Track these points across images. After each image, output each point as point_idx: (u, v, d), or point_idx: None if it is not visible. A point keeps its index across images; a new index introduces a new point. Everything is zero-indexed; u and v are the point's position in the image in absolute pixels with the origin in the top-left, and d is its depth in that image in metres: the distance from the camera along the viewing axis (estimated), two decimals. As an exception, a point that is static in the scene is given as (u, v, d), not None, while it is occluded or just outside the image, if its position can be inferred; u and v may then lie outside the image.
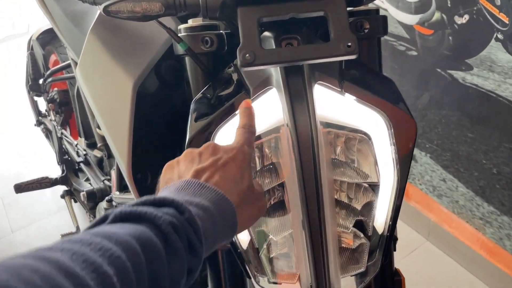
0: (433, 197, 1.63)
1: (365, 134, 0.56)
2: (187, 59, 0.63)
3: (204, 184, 0.46)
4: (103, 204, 1.29)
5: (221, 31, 0.62)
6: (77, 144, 1.68)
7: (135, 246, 0.36)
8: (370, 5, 0.62)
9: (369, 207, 0.57)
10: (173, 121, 0.69)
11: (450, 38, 1.33)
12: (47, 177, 1.73)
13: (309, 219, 0.53)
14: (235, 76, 0.60)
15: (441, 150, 1.52)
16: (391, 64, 1.57)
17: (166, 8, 0.53)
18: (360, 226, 0.58)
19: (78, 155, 1.65)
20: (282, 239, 0.58)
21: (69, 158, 1.74)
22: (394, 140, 0.55)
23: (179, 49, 0.61)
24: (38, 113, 2.04)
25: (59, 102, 1.81)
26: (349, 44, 0.50)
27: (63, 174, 1.71)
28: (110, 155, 1.36)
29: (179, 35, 0.62)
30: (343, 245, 0.58)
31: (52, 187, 1.83)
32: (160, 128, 0.71)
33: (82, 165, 1.60)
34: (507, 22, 1.16)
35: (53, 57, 1.84)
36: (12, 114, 2.95)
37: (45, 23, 1.87)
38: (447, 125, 1.46)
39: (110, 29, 0.71)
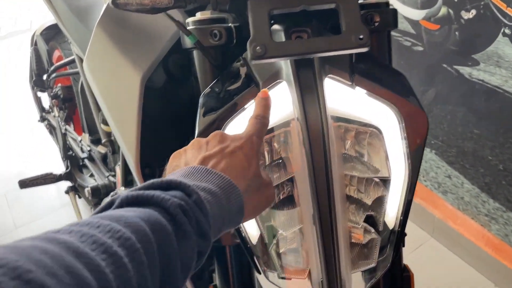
0: (438, 194, 1.62)
1: (376, 128, 0.55)
2: (195, 52, 0.63)
3: (210, 170, 0.46)
4: (107, 200, 1.29)
5: (229, 24, 0.61)
6: (81, 140, 1.68)
7: (145, 227, 0.35)
8: (380, -2, 0.61)
9: (379, 202, 0.56)
10: (181, 116, 0.68)
11: (456, 33, 1.33)
12: (51, 173, 1.73)
13: (320, 214, 0.53)
14: (244, 70, 0.59)
15: (446, 146, 1.51)
16: (397, 60, 1.56)
17: (175, 1, 0.52)
18: (371, 221, 0.57)
19: (82, 151, 1.65)
20: (291, 234, 0.58)
21: (73, 154, 1.74)
22: (405, 134, 0.55)
23: (188, 43, 0.61)
24: (41, 109, 2.04)
25: (63, 98, 1.81)
26: (361, 36, 0.49)
27: (68, 170, 1.71)
28: (114, 151, 1.36)
29: (187, 28, 0.61)
30: (353, 240, 0.57)
31: (55, 184, 1.84)
32: (168, 122, 0.70)
33: (86, 161, 1.60)
34: (515, 17, 1.15)
35: (56, 53, 1.83)
36: (12, 114, 2.95)
37: (47, 20, 1.86)
38: (452, 121, 1.45)
39: (117, 22, 0.71)
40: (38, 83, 1.83)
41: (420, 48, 1.47)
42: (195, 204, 0.40)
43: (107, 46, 0.69)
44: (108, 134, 1.35)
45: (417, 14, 1.43)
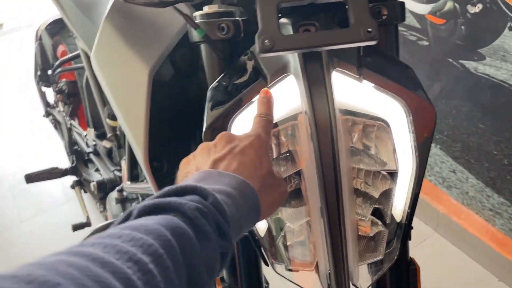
0: (442, 189, 1.62)
1: (384, 121, 0.55)
2: (202, 46, 0.63)
3: (223, 172, 0.46)
4: (113, 194, 1.30)
5: (237, 18, 0.61)
6: (86, 134, 1.69)
7: (166, 233, 0.35)
8: (388, -9, 0.61)
9: (387, 195, 0.56)
10: (189, 109, 0.68)
11: (462, 27, 1.32)
12: (57, 168, 1.74)
13: (327, 207, 0.53)
14: (251, 63, 0.59)
15: (451, 141, 1.51)
16: (402, 54, 1.56)
17: (183, -6, 0.52)
18: (378, 214, 0.58)
19: (88, 146, 1.66)
20: (298, 227, 0.58)
21: (79, 149, 1.75)
22: (412, 128, 0.55)
23: (195, 36, 0.61)
24: (46, 104, 2.04)
25: (68, 93, 1.82)
26: (369, 29, 0.49)
27: (73, 165, 1.72)
28: (120, 146, 1.36)
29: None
30: (360, 233, 0.58)
31: (60, 178, 1.85)
32: (175, 116, 0.70)
33: (91, 155, 1.61)
34: (522, 11, 1.15)
35: (61, 48, 1.84)
36: (12, 114, 2.96)
37: (49, 16, 1.87)
38: (458, 116, 1.45)
39: (124, 16, 0.71)
40: (43, 78, 1.83)
41: (426, 43, 1.47)
42: (212, 206, 0.40)
43: (115, 40, 0.70)
44: (114, 129, 1.35)
45: (423, 8, 1.42)
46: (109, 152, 1.54)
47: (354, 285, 0.58)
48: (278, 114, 0.56)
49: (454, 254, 1.64)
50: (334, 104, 0.52)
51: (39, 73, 1.85)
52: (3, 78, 3.41)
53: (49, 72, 1.83)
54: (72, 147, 1.74)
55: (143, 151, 0.67)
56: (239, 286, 0.69)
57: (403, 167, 0.56)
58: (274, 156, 0.57)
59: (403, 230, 0.58)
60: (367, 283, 0.60)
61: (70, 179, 1.81)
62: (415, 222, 0.60)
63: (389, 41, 0.62)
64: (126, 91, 0.69)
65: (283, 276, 0.60)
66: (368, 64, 0.56)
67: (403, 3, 0.62)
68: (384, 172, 0.56)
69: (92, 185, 1.42)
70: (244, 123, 0.56)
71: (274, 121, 0.56)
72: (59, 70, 1.68)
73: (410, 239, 0.70)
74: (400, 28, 1.52)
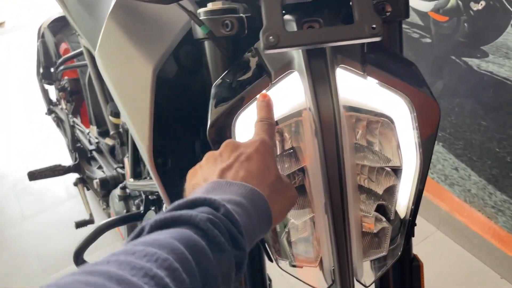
0: (444, 186, 1.62)
1: (388, 117, 0.55)
2: (206, 43, 0.63)
3: (231, 181, 0.46)
4: (116, 192, 1.30)
5: (241, 15, 0.61)
6: (89, 132, 1.69)
7: (179, 246, 0.35)
8: (392, -12, 0.61)
9: (391, 191, 0.57)
10: (193, 106, 0.69)
11: (465, 24, 1.32)
12: (60, 165, 1.75)
13: (332, 203, 0.53)
14: (255, 60, 0.59)
15: (453, 139, 1.51)
16: (405, 52, 1.56)
17: (188, -10, 0.52)
18: (382, 210, 0.58)
19: (90, 143, 1.66)
20: (302, 223, 0.58)
21: (81, 146, 1.75)
22: (417, 124, 0.55)
23: (199, 33, 0.61)
24: (49, 101, 2.05)
25: (70, 90, 1.82)
26: (374, 26, 0.49)
27: (76, 162, 1.72)
28: (122, 143, 1.37)
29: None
30: (364, 230, 0.58)
31: (62, 176, 1.85)
32: (179, 112, 0.71)
33: (94, 153, 1.62)
34: (525, 8, 1.14)
35: (63, 46, 1.84)
36: (12, 114, 2.97)
37: (50, 14, 1.87)
38: (460, 113, 1.45)
39: (128, 13, 0.71)
40: (45, 75, 1.84)
41: (428, 40, 1.46)
42: (224, 216, 0.40)
43: (119, 37, 0.70)
44: (116, 126, 1.36)
45: (425, 6, 1.42)
46: (112, 150, 1.55)
47: (358, 281, 0.58)
48: (282, 111, 0.56)
49: (456, 252, 1.64)
50: (338, 101, 0.52)
51: (41, 70, 1.85)
52: (3, 78, 3.42)
53: (52, 69, 1.84)
54: (75, 145, 1.74)
55: (147, 148, 0.67)
56: (242, 282, 0.69)
57: (407, 163, 0.56)
58: (278, 153, 0.58)
59: (407, 227, 0.59)
60: (370, 279, 0.60)
61: (73, 176, 1.82)
62: (417, 219, 0.60)
63: (393, 37, 0.62)
64: (130, 88, 0.69)
65: (287, 272, 0.60)
66: (372, 61, 0.56)
67: (407, 0, 0.62)
68: (388, 169, 0.56)
69: (95, 183, 1.42)
70: (248, 120, 0.57)
71: (279, 118, 0.56)
72: (61, 67, 1.68)
73: (413, 236, 0.70)
74: (403, 25, 1.53)
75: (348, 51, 0.55)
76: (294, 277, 0.60)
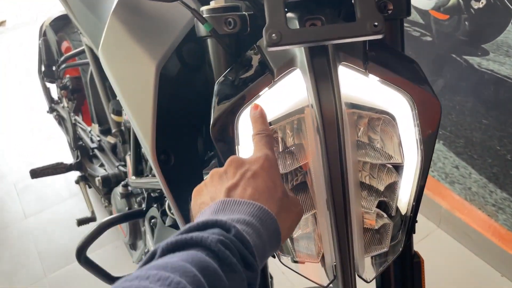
0: (445, 184, 1.62)
1: (389, 114, 0.56)
2: (209, 41, 0.63)
3: (239, 200, 0.45)
4: (118, 189, 1.31)
5: (244, 13, 0.62)
6: (90, 130, 1.70)
7: (192, 269, 0.35)
8: (394, -14, 0.61)
9: (392, 188, 0.57)
10: (195, 103, 0.69)
11: (466, 23, 1.32)
12: (62, 163, 1.75)
13: (334, 200, 0.53)
14: (258, 58, 0.60)
15: (454, 137, 1.51)
16: (405, 50, 1.56)
17: (191, -12, 0.53)
18: (383, 206, 0.58)
19: (92, 141, 1.67)
20: (304, 220, 0.59)
21: (83, 144, 1.76)
22: (418, 121, 0.55)
23: (202, 31, 0.62)
24: (50, 100, 2.05)
25: (72, 89, 1.83)
26: (376, 23, 0.49)
27: (78, 160, 1.73)
28: (124, 141, 1.37)
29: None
30: (366, 226, 0.58)
31: (64, 174, 1.86)
32: (182, 110, 0.71)
33: (96, 151, 1.62)
34: (526, 6, 1.15)
35: (65, 44, 1.84)
36: (12, 114, 2.97)
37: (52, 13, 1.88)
38: (461, 112, 1.45)
39: (131, 11, 0.71)
40: (47, 74, 1.84)
41: (429, 38, 1.47)
42: (235, 238, 0.40)
43: (122, 35, 0.70)
44: (118, 124, 1.36)
45: (426, 4, 1.42)
46: (114, 148, 1.55)
47: (359, 276, 0.59)
48: (285, 108, 0.57)
49: (456, 250, 1.65)
50: (340, 98, 0.53)
51: (43, 69, 1.85)
52: (3, 77, 3.43)
53: (54, 68, 1.84)
54: (77, 143, 1.75)
55: (151, 145, 0.68)
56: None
57: (408, 160, 0.57)
58: (280, 150, 0.58)
59: (408, 223, 0.59)
60: (372, 275, 0.60)
61: (75, 174, 1.83)
62: (418, 217, 0.60)
63: (395, 35, 0.63)
64: (133, 85, 0.70)
65: (289, 268, 0.60)
66: (374, 58, 0.56)
67: (409, -3, 0.62)
68: (389, 165, 0.57)
69: (97, 180, 1.43)
70: (250, 117, 0.57)
71: (281, 115, 0.56)
72: (63, 66, 1.69)
73: (414, 232, 0.70)
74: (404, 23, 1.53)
75: (350, 48, 0.55)
76: (296, 272, 0.61)
